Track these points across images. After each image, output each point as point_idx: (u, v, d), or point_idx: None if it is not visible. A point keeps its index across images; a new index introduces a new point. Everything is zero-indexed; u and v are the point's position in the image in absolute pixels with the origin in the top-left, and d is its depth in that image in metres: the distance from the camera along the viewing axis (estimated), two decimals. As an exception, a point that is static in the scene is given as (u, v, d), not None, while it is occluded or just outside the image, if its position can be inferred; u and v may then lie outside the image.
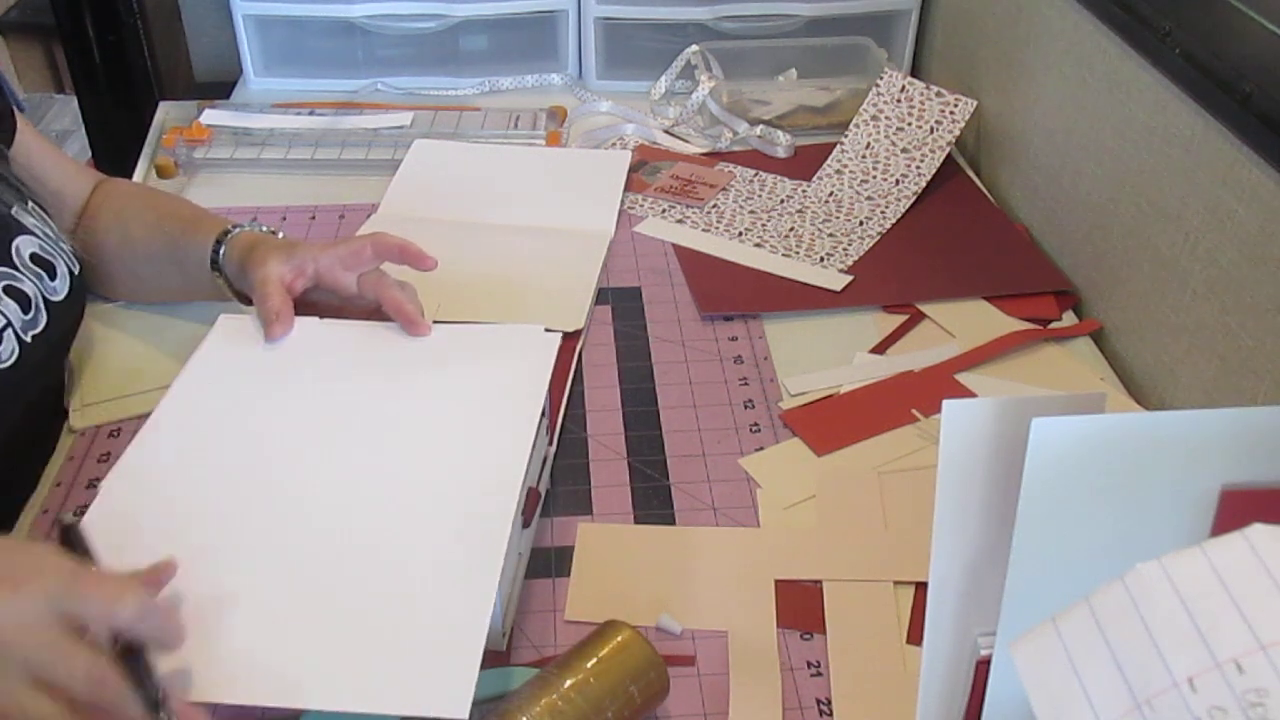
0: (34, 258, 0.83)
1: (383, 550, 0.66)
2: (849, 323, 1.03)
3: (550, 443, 0.85)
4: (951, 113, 1.25)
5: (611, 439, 0.89)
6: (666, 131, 1.36)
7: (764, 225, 1.17)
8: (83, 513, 0.66)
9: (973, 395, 0.94)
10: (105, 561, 0.60)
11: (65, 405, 0.90)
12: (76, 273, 0.87)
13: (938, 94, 1.27)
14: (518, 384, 0.77)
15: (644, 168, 1.27)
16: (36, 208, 0.87)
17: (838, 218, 1.18)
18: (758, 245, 1.13)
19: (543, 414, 0.76)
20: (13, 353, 0.79)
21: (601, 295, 1.06)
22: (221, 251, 0.87)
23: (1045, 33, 1.16)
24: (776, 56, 1.43)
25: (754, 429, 0.90)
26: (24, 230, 0.83)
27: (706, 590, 0.76)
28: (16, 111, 0.91)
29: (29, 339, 0.80)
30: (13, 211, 0.83)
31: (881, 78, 1.29)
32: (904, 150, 1.25)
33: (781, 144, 1.30)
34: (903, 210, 1.19)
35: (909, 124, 1.26)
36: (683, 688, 0.69)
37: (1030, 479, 0.42)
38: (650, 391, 0.94)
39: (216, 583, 0.63)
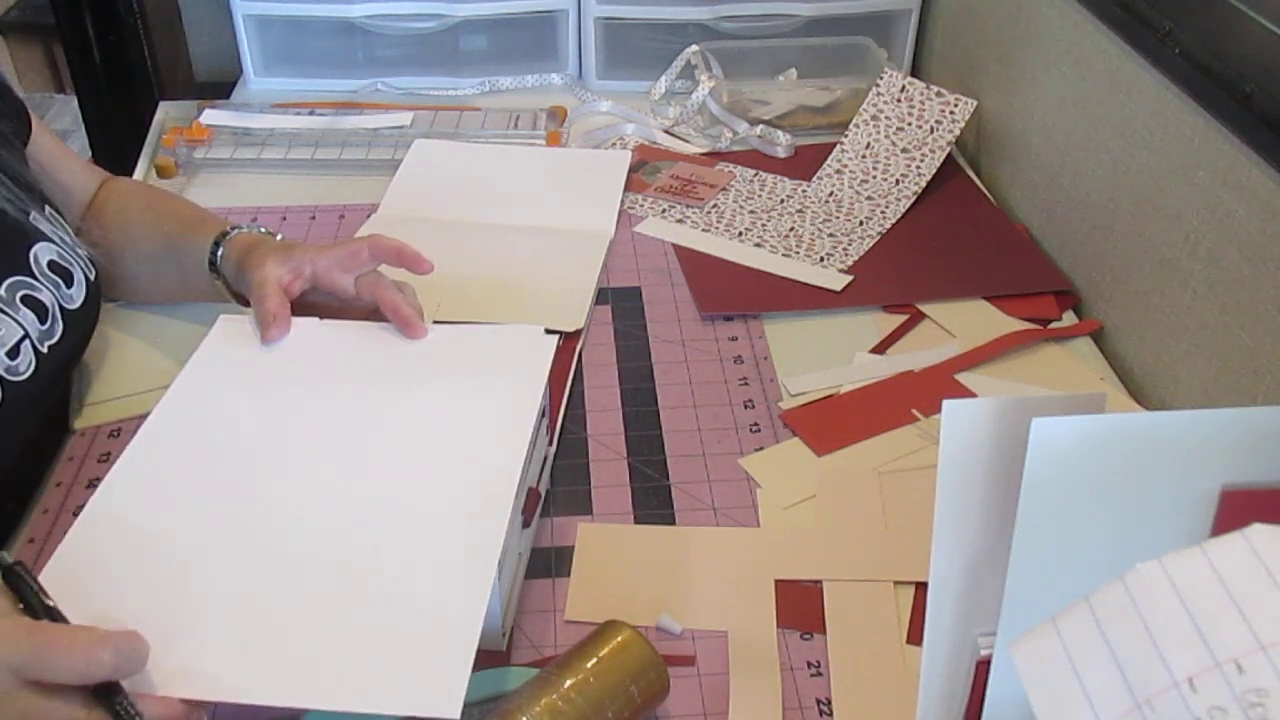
0: (52, 265, 0.82)
1: (379, 550, 0.65)
2: (849, 323, 1.03)
3: (550, 443, 0.85)
4: (951, 113, 1.25)
5: (611, 439, 0.89)
6: (666, 131, 1.36)
7: (764, 225, 1.17)
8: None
9: (973, 395, 0.94)
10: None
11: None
12: (92, 279, 0.86)
13: (938, 94, 1.26)
14: (515, 384, 0.77)
15: (644, 168, 1.27)
16: (54, 212, 0.86)
17: (838, 218, 1.18)
18: (758, 245, 1.13)
19: (542, 414, 0.76)
20: (30, 365, 0.78)
21: (601, 295, 1.06)
22: (220, 253, 0.87)
23: (1045, 33, 1.16)
24: (776, 56, 1.43)
25: (754, 429, 0.90)
26: (42, 237, 0.82)
27: (706, 590, 0.76)
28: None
29: (45, 350, 0.79)
30: (30, 217, 0.82)
31: (881, 78, 1.29)
32: (904, 150, 1.25)
33: (781, 144, 1.30)
34: (903, 210, 1.19)
35: (909, 124, 1.26)
36: (683, 688, 0.69)
37: (1030, 479, 0.42)
38: (650, 391, 0.94)
39: (213, 582, 0.63)
